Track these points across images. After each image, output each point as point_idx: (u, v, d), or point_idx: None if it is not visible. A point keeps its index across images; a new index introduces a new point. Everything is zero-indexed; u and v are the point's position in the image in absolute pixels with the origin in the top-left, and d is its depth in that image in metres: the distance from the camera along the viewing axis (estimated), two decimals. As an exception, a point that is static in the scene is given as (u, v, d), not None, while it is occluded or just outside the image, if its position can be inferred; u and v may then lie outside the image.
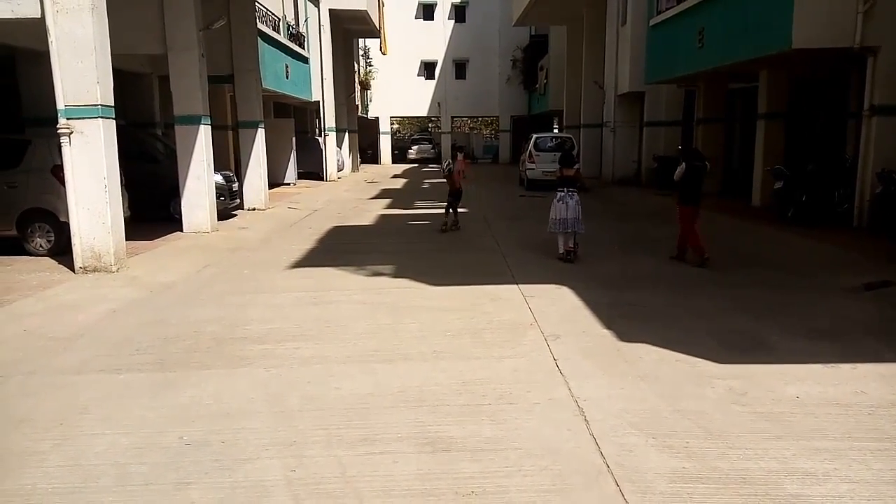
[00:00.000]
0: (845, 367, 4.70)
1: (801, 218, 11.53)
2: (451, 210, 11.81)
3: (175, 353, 5.17)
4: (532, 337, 5.53)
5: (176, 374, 4.70)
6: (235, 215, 13.98)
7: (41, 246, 9.23)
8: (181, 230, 11.47)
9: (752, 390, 4.31)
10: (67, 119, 7.78)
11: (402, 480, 3.24)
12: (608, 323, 5.85)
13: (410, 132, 51.63)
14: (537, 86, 35.12)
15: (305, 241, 10.79)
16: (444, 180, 12.27)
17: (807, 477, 3.24)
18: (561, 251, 8.78)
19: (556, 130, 32.57)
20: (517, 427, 3.82)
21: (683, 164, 8.60)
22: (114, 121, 8.18)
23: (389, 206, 16.50)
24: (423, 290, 7.26)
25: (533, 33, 36.75)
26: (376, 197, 19.24)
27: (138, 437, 3.73)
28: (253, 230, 12.17)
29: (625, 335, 5.49)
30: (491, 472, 3.30)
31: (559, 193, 8.77)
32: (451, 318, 6.08)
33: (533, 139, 20.56)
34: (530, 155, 20.20)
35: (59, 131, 7.78)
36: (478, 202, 16.15)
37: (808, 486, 3.16)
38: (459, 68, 40.78)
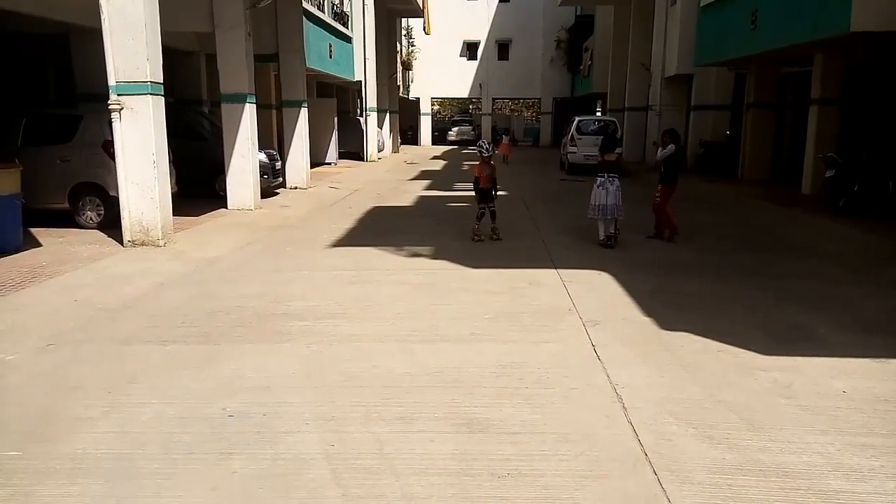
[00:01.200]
0: (894, 363, 4.55)
1: (852, 208, 11.15)
2: (485, 213, 9.12)
3: (219, 326, 5.29)
4: (571, 322, 5.49)
5: (219, 348, 4.82)
6: (278, 193, 14.18)
7: (91, 219, 9.52)
8: (225, 207, 11.69)
9: (797, 383, 4.21)
10: (118, 95, 7.97)
11: (438, 459, 3.27)
12: (649, 310, 5.77)
13: (451, 114, 51.41)
14: (581, 67, 34.55)
15: (346, 221, 10.89)
16: (475, 170, 9.41)
17: (851, 473, 3.16)
18: (601, 237, 8.67)
19: (598, 113, 32.04)
20: (554, 411, 3.81)
21: (672, 145, 9.01)
22: (162, 98, 8.35)
23: (429, 188, 16.51)
24: (462, 272, 7.27)
25: (578, 13, 36.06)
26: (416, 178, 19.27)
27: (183, 407, 3.84)
28: (295, 208, 12.33)
29: (666, 323, 5.41)
30: (527, 455, 3.31)
31: (599, 179, 8.64)
32: (490, 301, 6.07)
33: (575, 122, 20.27)
34: (572, 138, 19.93)
35: (110, 107, 7.98)
36: (517, 185, 16.04)
37: (853, 482, 3.08)
38: (502, 49, 40.34)
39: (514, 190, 14.82)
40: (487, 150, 9.15)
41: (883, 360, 4.60)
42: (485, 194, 9.09)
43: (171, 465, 3.22)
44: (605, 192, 8.49)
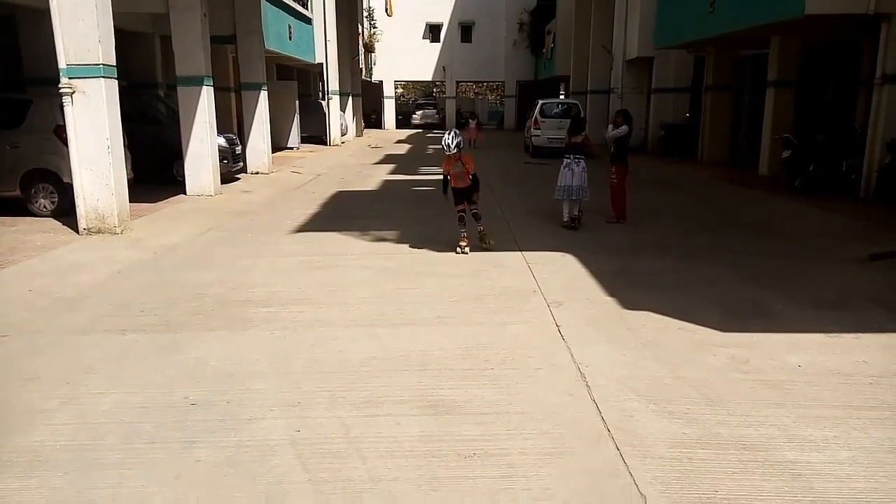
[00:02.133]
0: (848, 337, 4.71)
1: (808, 188, 11.45)
2: (463, 215, 7.35)
3: (180, 314, 5.19)
4: (535, 303, 5.54)
5: (181, 336, 4.74)
6: (238, 179, 13.93)
7: (45, 207, 9.22)
8: (184, 193, 11.44)
9: (754, 358, 4.32)
10: (69, 78, 7.70)
11: (404, 442, 3.28)
12: (611, 290, 5.85)
13: (415, 97, 51.09)
14: (544, 50, 34.60)
15: (309, 206, 10.76)
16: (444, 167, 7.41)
17: (806, 444, 3.26)
18: (566, 219, 8.75)
19: (562, 96, 32.19)
20: (519, 391, 3.85)
21: (625, 126, 9.10)
22: (116, 81, 8.10)
23: (393, 172, 16.41)
24: (427, 255, 7.26)
25: (541, -4, 36.09)
26: (380, 162, 19.14)
27: (144, 396, 3.77)
28: (256, 194, 12.14)
29: (628, 303, 5.50)
30: (492, 435, 3.34)
31: (566, 160, 8.71)
32: (455, 284, 6.09)
33: (539, 105, 20.34)
34: (536, 121, 20.00)
35: (62, 90, 7.71)
36: (482, 169, 16.04)
37: (808, 452, 3.18)
38: (465, 31, 40.13)
39: (479, 174, 14.83)
40: (450, 147, 7.08)
41: (836, 335, 4.76)
42: (460, 194, 7.40)
43: (132, 454, 3.16)
44: (571, 172, 8.56)
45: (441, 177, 7.56)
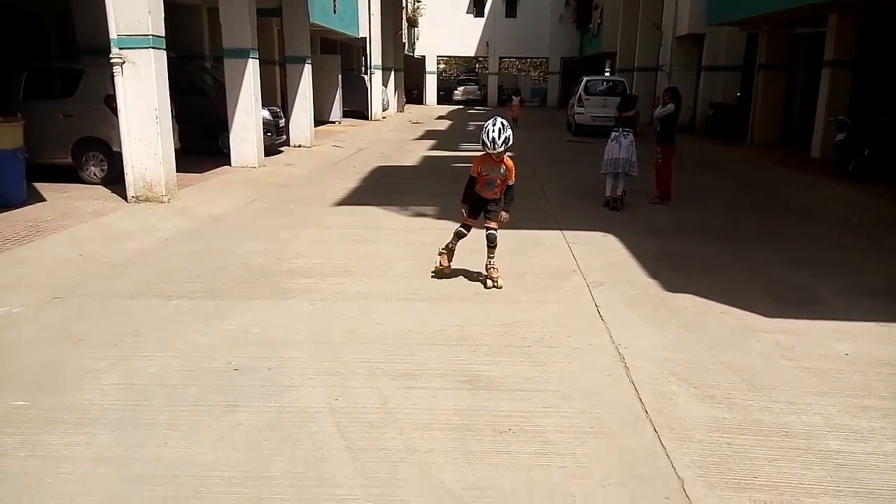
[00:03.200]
0: (900, 327, 4.55)
1: (862, 173, 11.03)
2: (465, 234, 5.46)
3: (224, 282, 5.30)
4: (574, 283, 5.48)
5: (224, 303, 4.84)
6: (282, 151, 14.08)
7: (95, 174, 9.48)
8: (229, 164, 11.62)
9: (800, 345, 4.21)
10: (120, 49, 7.84)
11: (440, 414, 3.30)
12: (653, 272, 5.76)
13: (457, 73, 50.67)
14: (590, 26, 33.85)
15: (350, 180, 10.83)
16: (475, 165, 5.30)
17: (851, 434, 3.18)
18: (608, 195, 8.61)
19: (607, 74, 31.54)
20: (556, 370, 3.83)
21: (672, 104, 8.83)
22: (164, 52, 8.22)
23: (434, 148, 16.37)
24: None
25: (589, -30, 35.21)
26: (421, 138, 19.10)
27: (188, 360, 3.88)
28: (298, 167, 12.26)
29: (670, 285, 5.41)
30: (528, 412, 3.33)
31: (614, 133, 8.57)
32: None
33: (583, 82, 19.96)
34: (580, 99, 19.64)
35: (112, 61, 7.86)
36: (524, 147, 15.88)
37: (852, 443, 3.10)
38: (510, 6, 39.47)
39: (520, 152, 14.67)
40: (496, 144, 4.98)
41: (886, 324, 4.60)
42: (477, 204, 5.34)
43: (176, 416, 3.26)
44: (619, 145, 8.41)
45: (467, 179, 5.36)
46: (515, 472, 2.84)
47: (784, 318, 4.70)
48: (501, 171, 5.16)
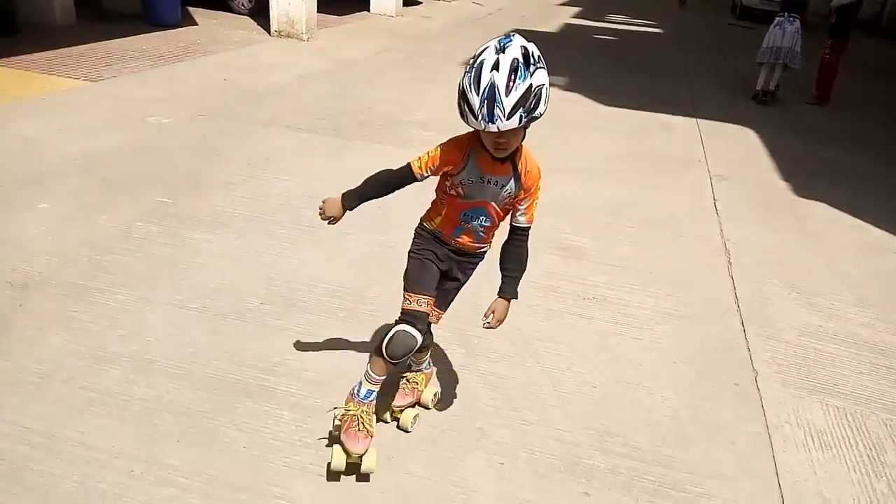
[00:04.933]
0: None
1: None
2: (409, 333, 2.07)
3: (349, 124, 5.54)
4: (696, 174, 5.26)
5: (348, 143, 5.09)
6: (420, 3, 13.83)
7: (243, 5, 9.85)
8: (368, 10, 11.63)
9: (930, 272, 3.91)
10: None
11: (529, 274, 3.42)
12: (787, 175, 5.40)
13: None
14: None
15: (484, 39, 10.55)
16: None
17: (957, 366, 3.01)
18: (758, 88, 7.92)
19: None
20: (654, 253, 3.81)
21: None
22: None
23: (577, 16, 15.46)
24: (594, 108, 7.00)
25: None
26: (566, 3, 18.01)
27: (310, 187, 4.19)
28: (436, 20, 12.06)
29: (803, 190, 5.07)
30: (616, 286, 3.39)
31: (778, 18, 7.70)
32: (615, 140, 5.89)
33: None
34: (751, -23, 17.54)
35: None
36: (676, 27, 14.64)
37: (955, 374, 2.95)
38: None
39: (670, 29, 13.60)
40: (489, 104, 1.77)
41: None
42: (436, 260, 2.15)
43: (295, 232, 3.60)
44: (782, 32, 7.58)
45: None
46: (591, 334, 2.96)
47: (922, 242, 4.33)
48: (507, 188, 2.03)
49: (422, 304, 2.06)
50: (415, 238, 2.21)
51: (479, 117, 1.77)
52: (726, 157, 5.74)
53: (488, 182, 1.98)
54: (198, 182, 4.10)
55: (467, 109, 1.80)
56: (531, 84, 1.80)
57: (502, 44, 1.81)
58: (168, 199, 3.81)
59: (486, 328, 2.12)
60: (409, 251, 2.19)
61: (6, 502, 2.04)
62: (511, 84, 1.76)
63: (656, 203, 4.56)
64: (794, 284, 3.58)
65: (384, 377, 2.08)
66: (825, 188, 5.15)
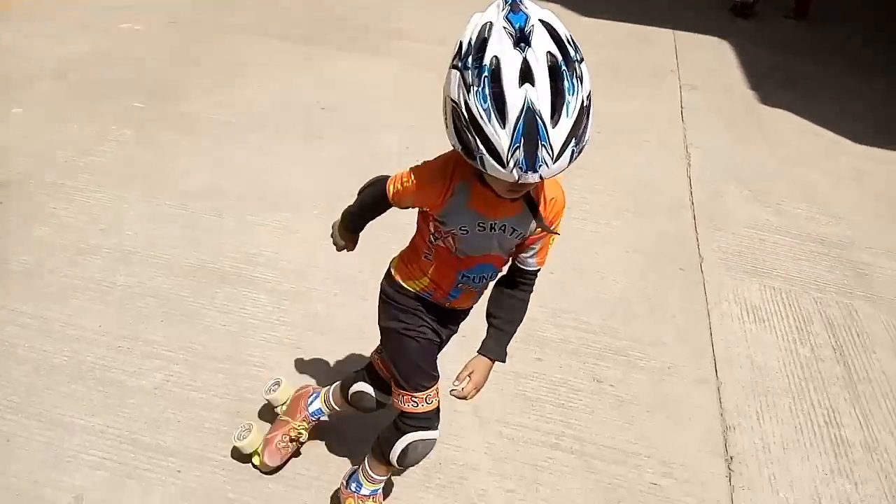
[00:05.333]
0: None
1: None
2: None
3: (322, 32, 5.50)
4: (668, 83, 5.34)
5: (320, 50, 5.08)
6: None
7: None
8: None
9: (879, 173, 4.09)
10: None
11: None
12: (756, 85, 5.48)
13: None
14: None
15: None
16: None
17: (886, 252, 3.23)
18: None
19: None
20: (615, 158, 3.94)
21: None
22: None
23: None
24: (571, 19, 6.95)
25: None
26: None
27: (282, 95, 4.24)
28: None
29: (770, 99, 5.17)
30: (577, 187, 3.53)
31: None
32: (593, 51, 5.89)
33: None
34: None
35: None
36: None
37: (885, 259, 3.17)
38: None
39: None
40: (537, 131, 1.12)
41: None
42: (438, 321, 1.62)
43: (270, 138, 3.69)
44: None
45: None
46: (551, 228, 3.12)
47: (877, 146, 4.49)
48: (519, 231, 1.44)
49: (432, 400, 1.58)
50: (392, 305, 1.58)
51: (512, 165, 1.12)
52: (698, 67, 5.79)
53: (491, 228, 1.36)
54: (172, 88, 4.14)
55: (483, 149, 1.12)
56: (582, 98, 1.16)
57: (516, 24, 1.13)
58: (142, 105, 3.87)
59: (456, 396, 1.51)
60: (391, 327, 1.58)
61: None
62: (560, 105, 1.12)
63: (625, 111, 4.65)
64: (748, 184, 3.75)
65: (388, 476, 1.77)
66: (791, 98, 5.23)
